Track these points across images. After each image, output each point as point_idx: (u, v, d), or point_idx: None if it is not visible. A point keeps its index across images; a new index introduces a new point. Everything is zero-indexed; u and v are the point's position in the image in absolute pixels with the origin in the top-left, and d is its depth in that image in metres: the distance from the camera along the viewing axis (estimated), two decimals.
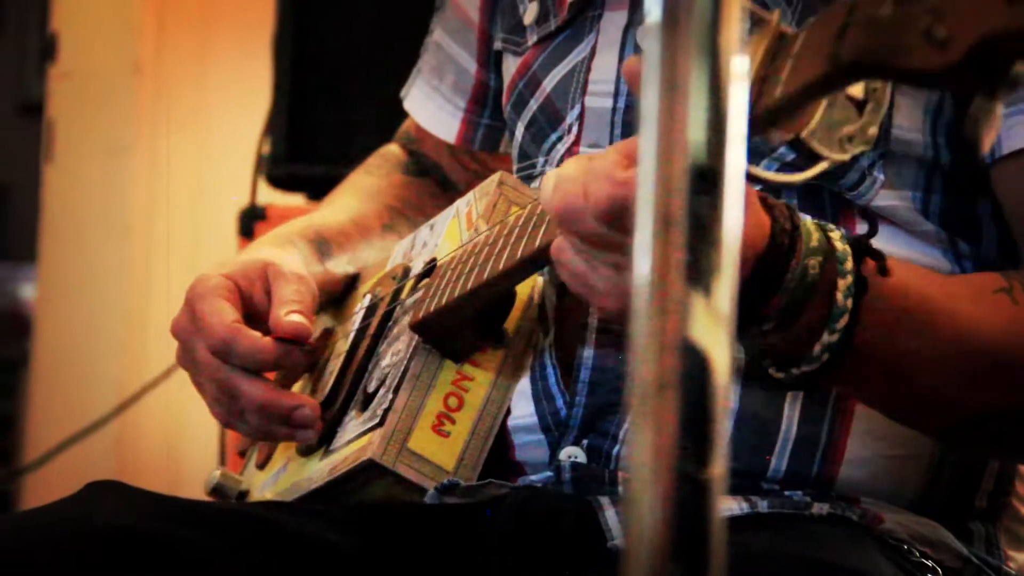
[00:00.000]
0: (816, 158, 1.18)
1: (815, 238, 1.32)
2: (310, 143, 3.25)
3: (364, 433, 1.57)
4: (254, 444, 1.81)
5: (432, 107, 1.92)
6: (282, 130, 3.25)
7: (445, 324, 1.56)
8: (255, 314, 1.66)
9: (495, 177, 1.63)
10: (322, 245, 1.78)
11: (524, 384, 1.57)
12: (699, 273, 0.86)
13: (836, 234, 1.33)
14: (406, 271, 1.71)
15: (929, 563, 1.46)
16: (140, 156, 4.27)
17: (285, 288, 1.65)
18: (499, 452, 1.57)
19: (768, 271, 1.30)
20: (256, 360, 1.60)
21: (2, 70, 6.88)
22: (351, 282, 1.82)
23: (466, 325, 1.56)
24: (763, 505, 1.47)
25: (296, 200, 3.34)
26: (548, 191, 1.32)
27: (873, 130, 1.17)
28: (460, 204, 1.69)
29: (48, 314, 4.49)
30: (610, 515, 1.49)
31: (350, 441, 1.59)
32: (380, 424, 1.55)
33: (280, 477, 1.71)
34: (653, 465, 0.84)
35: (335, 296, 1.81)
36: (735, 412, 1.48)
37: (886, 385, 1.41)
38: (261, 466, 1.77)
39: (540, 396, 1.56)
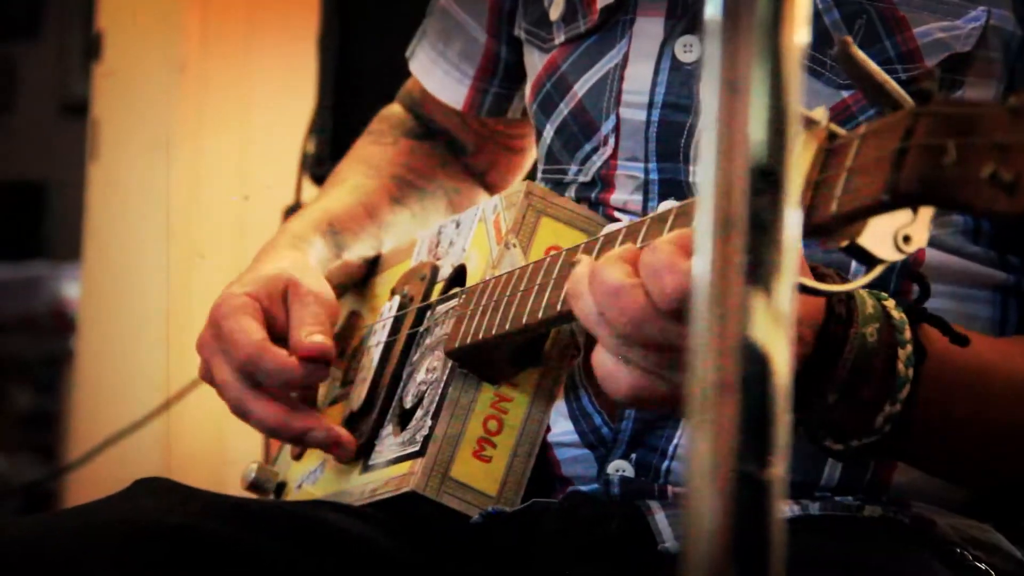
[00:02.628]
0: (871, 259, 1.16)
1: (869, 305, 1.29)
2: (354, 142, 3.25)
3: (404, 458, 1.56)
4: None
5: (439, 73, 1.91)
6: (327, 129, 3.25)
7: (482, 354, 1.54)
8: (277, 331, 1.65)
9: (522, 187, 1.60)
10: (336, 237, 1.78)
11: (560, 403, 1.56)
12: (759, 273, 0.85)
13: (890, 302, 1.31)
14: (434, 271, 1.70)
15: (983, 567, 1.45)
16: (184, 155, 4.28)
17: (303, 311, 1.64)
18: (543, 469, 1.56)
19: (829, 343, 1.27)
20: (282, 378, 1.59)
21: (46, 69, 6.92)
22: (371, 264, 1.83)
23: (504, 356, 1.55)
24: (814, 508, 1.46)
25: None
26: (592, 315, 1.25)
27: (928, 227, 1.14)
28: (487, 208, 1.66)
29: (92, 312, 4.50)
30: (660, 518, 1.48)
31: (390, 462, 1.58)
32: (421, 453, 1.53)
33: (319, 479, 1.70)
34: (713, 466, 0.84)
35: (356, 281, 1.83)
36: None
37: (946, 452, 1.38)
38: (297, 457, 1.77)
39: (577, 415, 1.55)
